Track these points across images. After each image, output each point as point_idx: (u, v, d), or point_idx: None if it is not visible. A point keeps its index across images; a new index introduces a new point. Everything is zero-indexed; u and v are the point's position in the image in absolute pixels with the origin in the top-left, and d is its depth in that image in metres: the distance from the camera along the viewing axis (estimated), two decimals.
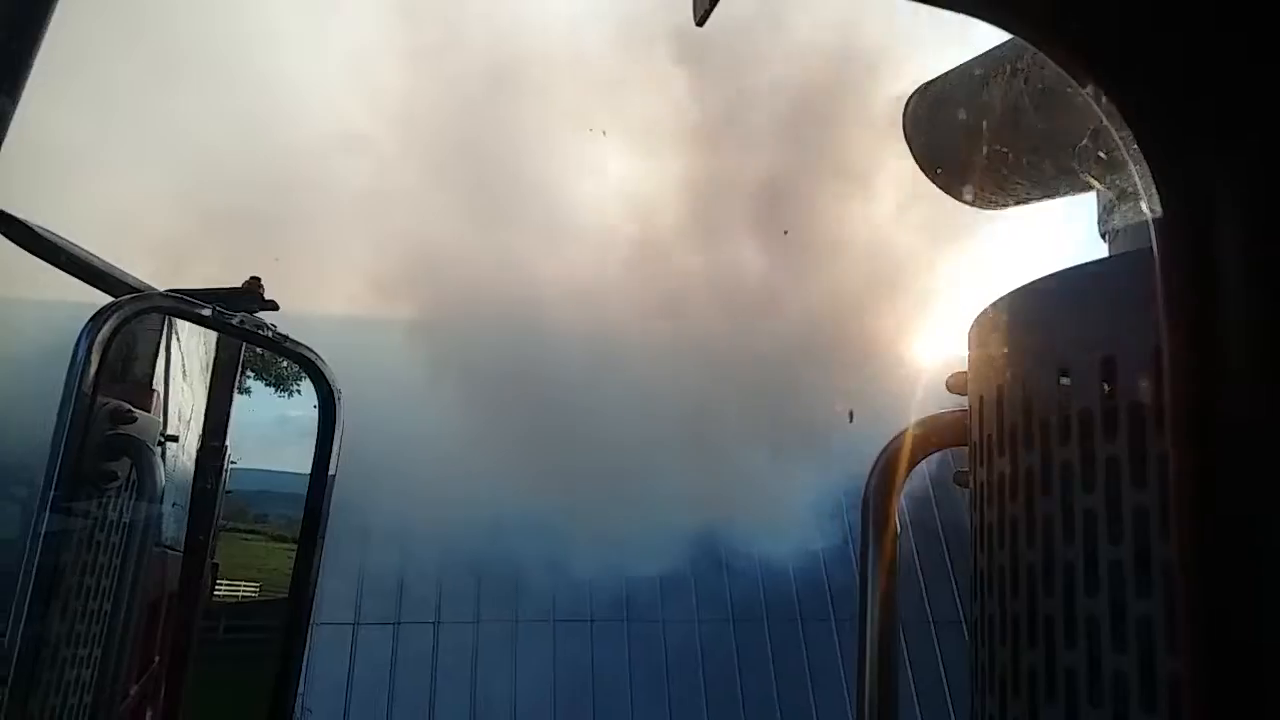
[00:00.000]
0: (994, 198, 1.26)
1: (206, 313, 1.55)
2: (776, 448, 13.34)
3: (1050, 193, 1.17)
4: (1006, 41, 1.15)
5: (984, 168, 1.18)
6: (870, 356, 13.63)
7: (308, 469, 2.10)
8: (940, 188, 1.32)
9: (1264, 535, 0.53)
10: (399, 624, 13.18)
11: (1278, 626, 0.52)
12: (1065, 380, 0.89)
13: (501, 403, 13.64)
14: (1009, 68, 1.09)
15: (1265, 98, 0.51)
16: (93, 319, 1.46)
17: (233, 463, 2.47)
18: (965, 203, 1.28)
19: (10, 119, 0.59)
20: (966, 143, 1.19)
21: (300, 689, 2.19)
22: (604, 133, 15.28)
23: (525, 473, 12.77)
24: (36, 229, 1.45)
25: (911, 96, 1.41)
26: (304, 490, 2.10)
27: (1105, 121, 0.58)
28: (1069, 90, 1.00)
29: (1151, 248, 0.57)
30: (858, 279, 15.13)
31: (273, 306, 1.67)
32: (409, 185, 15.13)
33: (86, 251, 1.59)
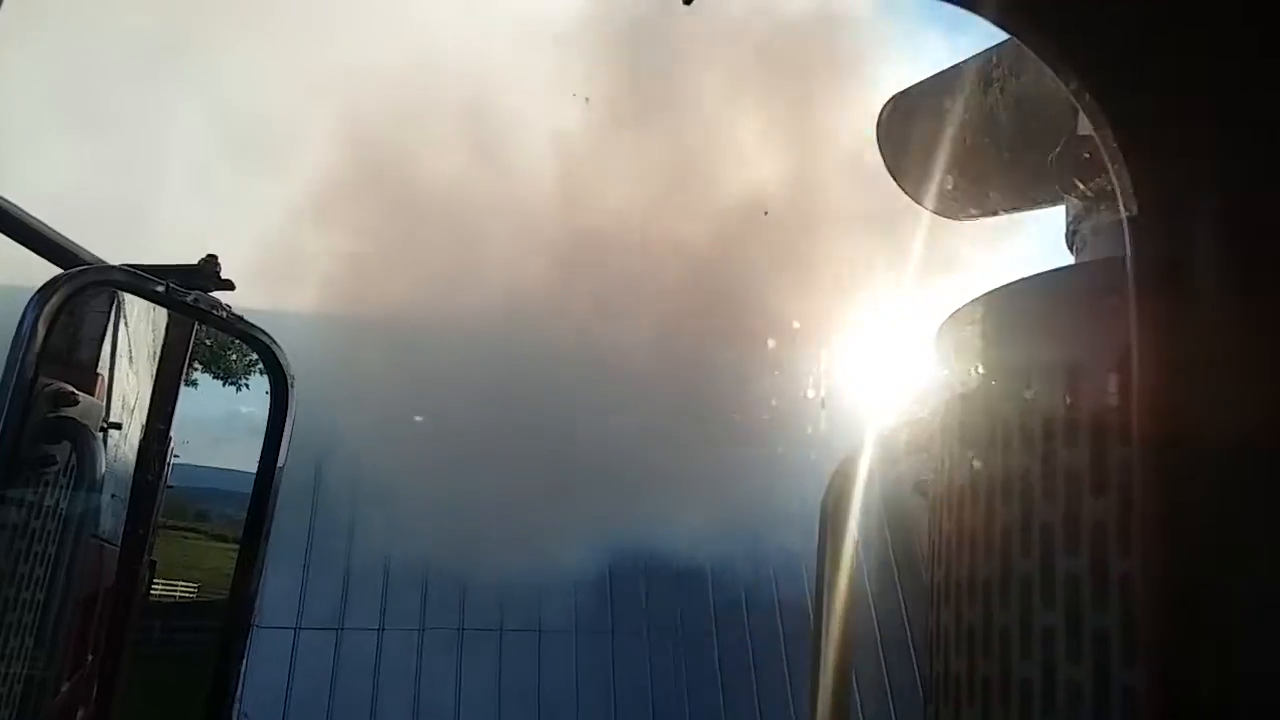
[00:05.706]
0: (964, 207, 1.27)
1: (160, 289, 1.49)
2: (724, 462, 13.33)
3: (1019, 204, 1.18)
4: (979, 53, 1.17)
5: (956, 177, 1.19)
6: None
7: (251, 467, 2.04)
8: (911, 197, 1.33)
9: (1232, 537, 0.53)
10: (341, 630, 12.92)
11: (1243, 633, 0.51)
12: (1028, 388, 0.89)
13: (455, 412, 13.48)
14: (983, 79, 1.10)
15: (1244, 99, 0.52)
16: (41, 290, 1.39)
17: (175, 456, 2.39)
18: (935, 212, 1.30)
19: None
20: (939, 152, 1.20)
21: (239, 692, 2.12)
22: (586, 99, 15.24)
23: (477, 481, 12.64)
24: None
25: (885, 106, 1.42)
26: (246, 489, 2.05)
27: (1084, 121, 0.58)
28: (1043, 100, 1.02)
29: (1118, 254, 0.58)
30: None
31: (229, 286, 1.62)
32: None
33: (40, 222, 1.53)
